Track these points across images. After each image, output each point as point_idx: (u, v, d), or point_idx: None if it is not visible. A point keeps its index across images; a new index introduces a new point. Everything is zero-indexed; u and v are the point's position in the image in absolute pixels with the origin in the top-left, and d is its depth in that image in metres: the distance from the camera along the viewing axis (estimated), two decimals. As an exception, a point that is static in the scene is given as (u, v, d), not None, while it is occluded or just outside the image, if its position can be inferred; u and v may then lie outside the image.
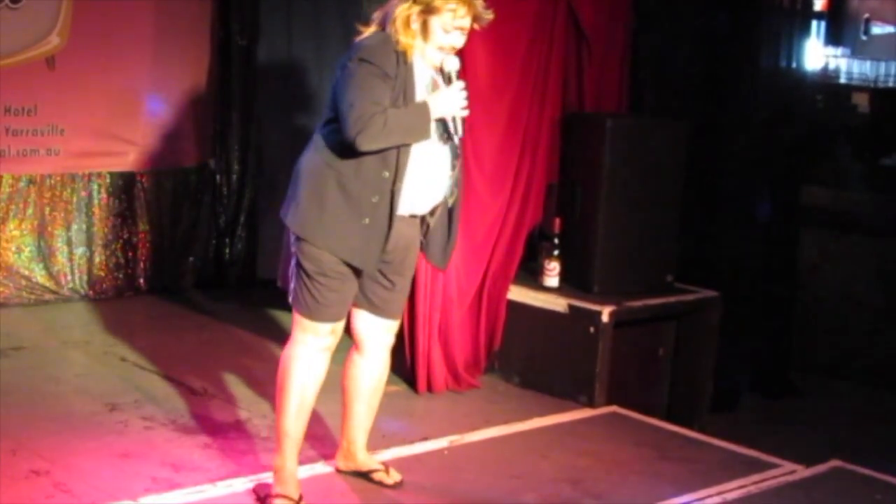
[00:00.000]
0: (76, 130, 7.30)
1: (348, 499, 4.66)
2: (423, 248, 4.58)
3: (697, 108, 7.03)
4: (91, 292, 7.47)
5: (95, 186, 7.48)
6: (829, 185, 8.15)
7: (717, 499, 4.91)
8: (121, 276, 7.61)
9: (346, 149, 4.21)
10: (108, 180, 7.52)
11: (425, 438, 5.35)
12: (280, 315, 7.29)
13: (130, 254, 7.64)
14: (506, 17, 6.08)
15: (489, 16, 4.36)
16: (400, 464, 4.97)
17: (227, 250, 8.03)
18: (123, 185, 7.58)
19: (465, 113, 4.35)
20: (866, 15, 8.94)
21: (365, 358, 4.67)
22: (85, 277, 7.45)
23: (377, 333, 4.64)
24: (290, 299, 4.44)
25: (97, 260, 7.50)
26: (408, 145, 4.24)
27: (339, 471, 4.81)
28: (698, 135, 6.76)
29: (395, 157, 4.25)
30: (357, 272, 4.37)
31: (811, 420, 7.01)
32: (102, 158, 7.47)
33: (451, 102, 4.30)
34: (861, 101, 9.17)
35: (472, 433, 5.50)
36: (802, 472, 5.29)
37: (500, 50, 6.15)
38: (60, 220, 7.35)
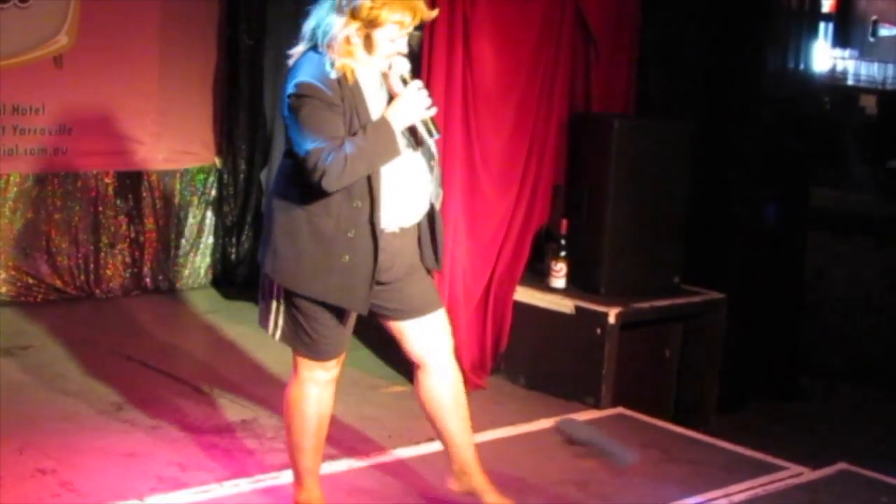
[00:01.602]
0: (84, 129, 7.31)
1: (355, 498, 4.66)
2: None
3: (705, 110, 7.02)
4: (98, 291, 7.48)
5: (102, 185, 7.48)
6: (836, 187, 8.14)
7: (724, 501, 4.90)
8: (128, 275, 7.61)
9: (310, 188, 3.90)
10: (115, 179, 7.53)
11: (431, 439, 5.32)
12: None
13: (137, 253, 7.65)
14: (513, 18, 6.12)
15: (433, 15, 4.09)
16: (405, 465, 4.97)
17: (234, 250, 8.03)
18: (130, 185, 7.59)
19: (432, 112, 4.02)
20: (874, 17, 8.94)
21: (430, 374, 4.31)
22: (92, 276, 7.46)
23: (428, 338, 4.28)
24: (277, 337, 4.19)
25: (104, 259, 7.50)
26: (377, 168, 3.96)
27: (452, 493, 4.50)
28: (705, 136, 6.75)
29: (364, 185, 3.95)
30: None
31: (818, 422, 7.00)
32: (110, 157, 7.48)
33: (411, 106, 3.98)
34: (868, 102, 9.17)
35: (478, 434, 5.46)
36: (809, 474, 5.28)
37: (508, 51, 6.15)
38: (67, 219, 7.36)
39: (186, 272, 7.89)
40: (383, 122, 3.95)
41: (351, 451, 5.11)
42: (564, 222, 6.40)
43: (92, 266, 7.46)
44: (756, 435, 6.28)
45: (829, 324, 7.87)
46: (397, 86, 4.03)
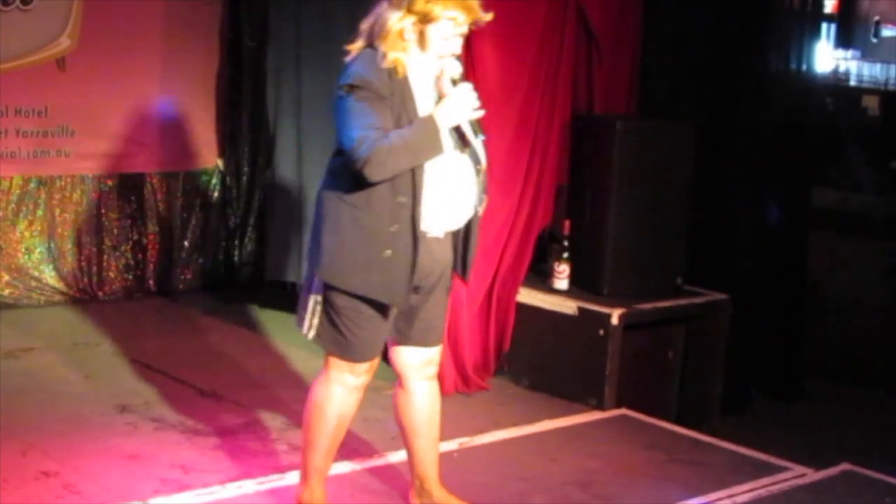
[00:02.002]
0: (86, 132, 7.32)
1: (357, 499, 4.66)
2: None
3: (707, 111, 7.02)
4: (101, 294, 7.48)
5: (105, 188, 7.49)
6: (839, 188, 8.13)
7: (727, 501, 4.90)
8: (130, 277, 7.62)
9: (355, 180, 3.97)
10: (117, 182, 7.54)
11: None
12: (289, 317, 7.29)
13: (140, 255, 7.65)
14: (515, 19, 6.11)
15: (488, 17, 4.15)
16: (407, 466, 4.97)
17: (237, 252, 8.03)
18: (133, 187, 7.60)
19: (480, 113, 4.10)
20: (877, 17, 8.94)
21: (409, 392, 4.40)
22: (94, 279, 7.46)
23: (416, 365, 4.37)
24: (311, 336, 4.21)
25: (107, 261, 7.51)
26: (421, 165, 4.00)
27: None
28: (708, 137, 6.75)
29: (409, 180, 3.99)
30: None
31: (821, 423, 6.99)
32: (112, 160, 7.48)
33: (459, 106, 4.04)
34: (871, 103, 9.15)
35: (481, 435, 5.49)
36: (812, 475, 5.28)
37: (510, 52, 6.15)
38: (70, 221, 7.37)
39: (189, 275, 7.89)
40: (430, 118, 4.00)
41: (353, 453, 5.11)
42: (567, 223, 6.40)
43: (94, 268, 7.46)
44: (759, 435, 6.27)
45: (832, 324, 7.86)
46: (447, 87, 4.09)
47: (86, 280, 7.43)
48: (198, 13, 7.73)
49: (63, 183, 7.33)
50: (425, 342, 4.35)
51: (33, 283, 7.25)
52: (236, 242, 8.03)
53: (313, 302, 4.18)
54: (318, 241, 4.12)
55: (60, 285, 7.34)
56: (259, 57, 7.82)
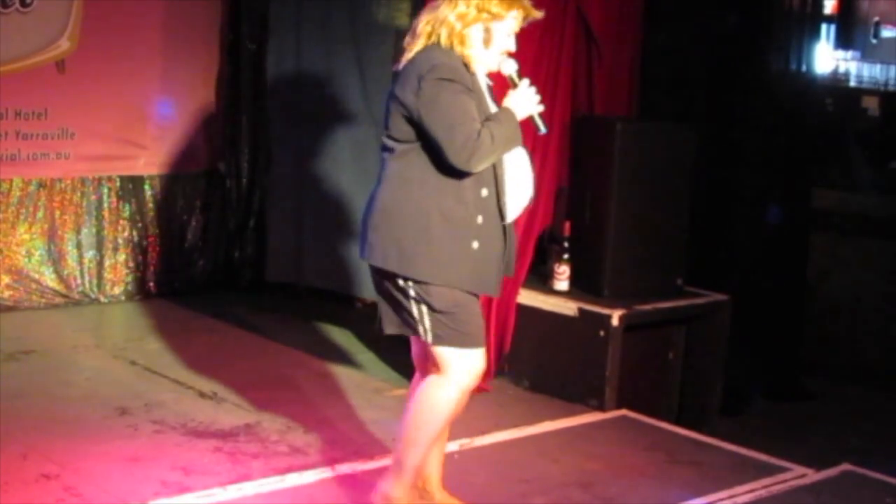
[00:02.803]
0: (86, 134, 7.32)
1: (359, 500, 4.65)
2: None
3: (707, 111, 7.02)
4: (101, 296, 7.49)
5: (105, 190, 7.50)
6: (839, 189, 8.13)
7: (728, 502, 4.90)
8: (131, 279, 7.63)
9: (440, 175, 4.02)
10: (118, 184, 7.54)
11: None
12: (289, 319, 7.31)
13: (140, 257, 7.65)
14: (515, 20, 6.10)
15: (539, 14, 4.26)
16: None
17: (237, 253, 8.04)
18: (133, 189, 7.60)
19: (542, 108, 4.20)
20: (876, 18, 8.94)
21: None
22: (95, 281, 7.47)
23: None
24: (431, 340, 4.13)
25: (107, 263, 7.52)
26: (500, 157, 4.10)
27: None
28: (708, 138, 6.75)
29: (490, 173, 4.08)
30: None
31: (822, 424, 6.99)
32: (112, 162, 7.49)
33: (527, 101, 4.15)
34: (871, 104, 9.16)
35: (482, 437, 5.49)
36: (813, 475, 5.28)
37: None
38: (71, 223, 7.37)
39: (189, 276, 7.90)
40: (508, 111, 4.11)
41: (355, 454, 5.11)
42: (567, 225, 6.39)
43: (95, 271, 7.47)
44: (760, 436, 6.28)
45: (833, 325, 7.86)
46: (513, 83, 4.19)
47: (86, 282, 7.44)
48: (197, 15, 7.73)
49: (63, 185, 7.33)
50: None
51: (33, 286, 7.25)
52: (236, 244, 8.03)
53: (417, 311, 4.12)
54: (396, 246, 4.06)
55: (61, 287, 7.34)
56: (259, 59, 7.84)
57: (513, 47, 4.20)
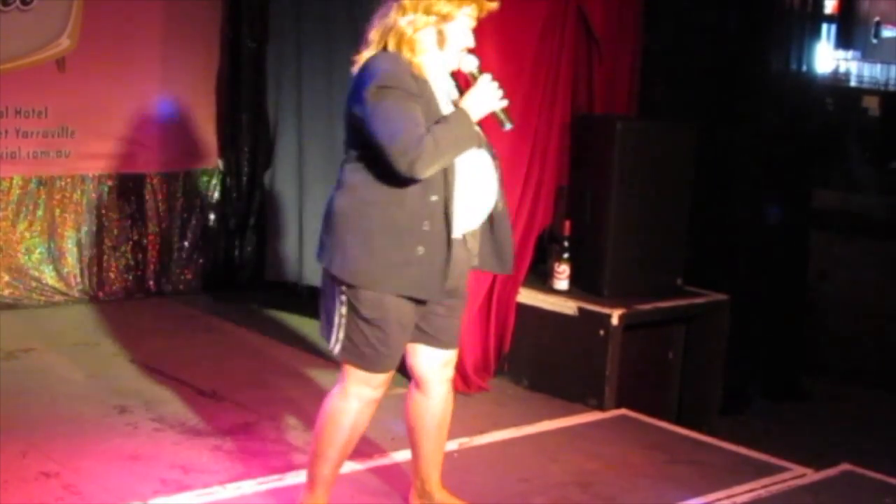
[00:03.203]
0: (86, 132, 7.32)
1: (358, 500, 4.66)
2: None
3: (707, 111, 7.02)
4: (100, 294, 7.49)
5: (105, 188, 7.50)
6: (839, 189, 8.14)
7: (727, 502, 4.90)
8: (130, 277, 7.62)
9: (386, 181, 3.96)
10: (117, 182, 7.54)
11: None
12: (289, 317, 7.31)
13: (140, 256, 7.65)
14: (515, 18, 6.10)
15: (494, 4, 4.14)
16: (408, 466, 4.97)
17: (237, 252, 8.04)
18: (133, 187, 7.60)
19: (505, 103, 4.07)
20: (877, 18, 8.94)
21: (426, 395, 4.36)
22: (94, 279, 7.47)
23: (436, 367, 4.33)
24: (337, 351, 4.13)
25: (107, 262, 7.51)
26: (452, 161, 4.00)
27: None
28: (708, 138, 6.75)
29: (440, 178, 3.98)
30: (417, 308, 4.12)
31: (821, 424, 7.00)
32: (112, 160, 7.49)
33: (486, 97, 4.02)
34: (871, 103, 9.16)
35: (481, 436, 5.49)
36: (812, 475, 5.28)
37: (510, 52, 6.15)
38: (70, 221, 7.37)
39: (189, 275, 7.90)
40: (461, 111, 4.00)
41: (355, 454, 5.08)
42: (567, 224, 6.39)
43: (95, 269, 7.47)
44: (759, 436, 6.29)
45: (832, 325, 7.87)
46: (473, 80, 4.08)
47: (86, 280, 7.44)
48: (197, 13, 7.73)
49: (63, 183, 7.33)
50: (448, 343, 4.32)
51: (33, 284, 7.25)
52: (236, 243, 8.03)
53: (338, 316, 4.12)
54: (338, 247, 4.06)
55: (60, 285, 7.34)
56: (259, 57, 7.83)
57: (471, 43, 4.09)
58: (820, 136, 7.63)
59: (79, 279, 7.42)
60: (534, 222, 6.43)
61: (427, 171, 3.89)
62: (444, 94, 4.12)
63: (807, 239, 7.52)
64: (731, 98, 7.08)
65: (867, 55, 9.03)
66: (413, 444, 4.49)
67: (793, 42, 7.22)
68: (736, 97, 7.08)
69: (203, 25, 7.78)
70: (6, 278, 7.16)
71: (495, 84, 4.05)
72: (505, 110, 4.10)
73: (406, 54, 3.99)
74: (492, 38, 6.02)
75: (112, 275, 7.55)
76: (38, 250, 7.28)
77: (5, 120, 7.02)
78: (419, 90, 3.98)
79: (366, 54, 4.07)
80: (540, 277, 6.50)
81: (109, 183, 7.51)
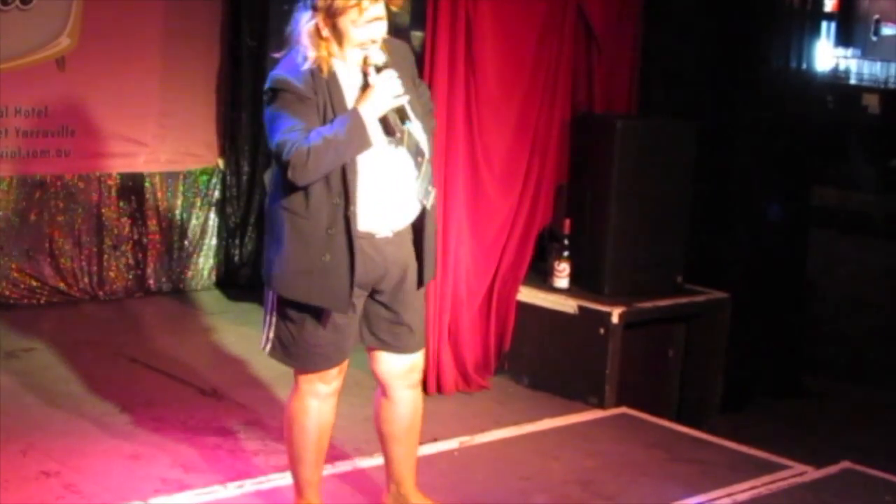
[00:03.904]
0: (86, 131, 7.32)
1: (357, 499, 4.66)
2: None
3: (707, 109, 7.01)
4: (101, 293, 7.48)
5: (105, 187, 7.49)
6: (839, 186, 8.13)
7: (727, 500, 4.91)
8: (131, 277, 7.62)
9: (291, 186, 3.89)
10: (118, 181, 7.54)
11: (435, 439, 5.34)
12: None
13: (140, 255, 7.65)
14: (515, 17, 6.12)
15: (397, 1, 4.04)
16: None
17: (237, 251, 8.03)
18: (133, 186, 7.60)
19: (404, 100, 3.93)
20: (877, 16, 8.93)
21: (392, 401, 4.31)
22: (95, 278, 7.46)
23: (400, 373, 4.27)
24: (267, 350, 4.15)
25: (107, 261, 7.51)
26: (352, 161, 3.90)
27: None
28: (708, 135, 6.74)
29: (339, 179, 3.90)
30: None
31: (821, 421, 6.99)
32: (113, 159, 7.49)
33: (382, 95, 3.90)
34: (871, 101, 9.16)
35: (482, 434, 5.50)
36: (812, 473, 5.29)
37: (510, 51, 6.15)
38: (70, 221, 7.36)
39: (189, 274, 7.90)
40: (353, 112, 3.89)
41: (354, 452, 5.11)
42: (567, 222, 6.40)
43: (95, 268, 7.46)
44: (759, 434, 6.28)
45: (833, 322, 7.87)
46: (372, 76, 3.95)
47: (86, 279, 7.43)
48: (197, 12, 7.73)
49: (63, 182, 7.32)
50: (406, 348, 4.24)
51: (34, 283, 7.25)
52: (236, 241, 8.02)
53: (269, 315, 4.13)
54: (266, 252, 4.10)
55: (61, 285, 7.34)
56: (259, 56, 7.82)
57: (375, 35, 3.95)
58: (819, 134, 7.62)
59: (79, 278, 7.41)
60: (534, 220, 6.43)
61: (304, 178, 3.83)
62: (353, 92, 4.00)
63: (806, 237, 7.52)
64: (731, 96, 7.08)
65: (867, 53, 9.02)
66: (384, 450, 4.43)
67: (792, 40, 7.22)
68: (736, 95, 7.08)
69: (203, 24, 7.77)
70: (7, 277, 7.15)
71: (397, 81, 3.94)
72: (403, 108, 3.96)
73: (308, 52, 3.93)
74: (491, 37, 6.04)
75: (112, 274, 7.55)
76: (38, 250, 7.27)
77: (5, 119, 7.02)
78: (315, 89, 3.91)
79: (281, 54, 4.07)
80: (540, 276, 6.51)
81: (110, 182, 7.51)
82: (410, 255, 4.15)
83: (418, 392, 4.38)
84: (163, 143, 7.67)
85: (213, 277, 8.00)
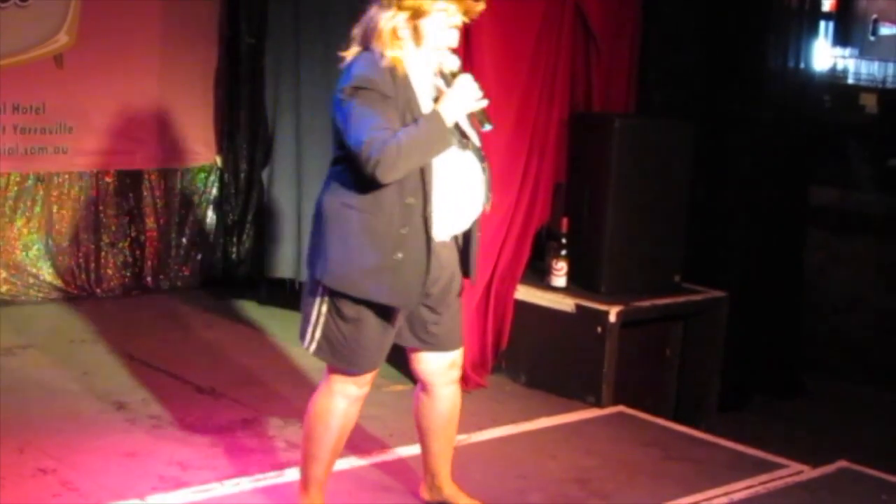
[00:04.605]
0: (84, 129, 7.32)
1: (355, 498, 4.66)
2: None
3: (705, 108, 7.02)
4: (98, 290, 7.49)
5: (103, 184, 7.49)
6: (836, 186, 8.13)
7: (724, 499, 4.91)
8: (128, 274, 7.62)
9: (362, 185, 3.92)
10: (115, 178, 7.54)
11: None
12: (286, 314, 7.30)
13: (138, 252, 7.65)
14: (513, 16, 6.11)
15: (480, 6, 4.08)
16: (406, 463, 4.98)
17: (235, 249, 8.03)
18: (131, 184, 7.60)
19: (484, 103, 4.03)
20: (874, 15, 8.92)
21: (433, 397, 4.38)
22: (92, 275, 7.46)
23: (441, 370, 4.33)
24: (312, 349, 4.13)
25: (104, 258, 7.51)
26: (429, 163, 3.96)
27: (425, 502, 4.57)
28: (706, 135, 6.75)
29: (418, 180, 3.96)
30: (396, 310, 4.10)
31: (818, 420, 7.01)
32: (110, 157, 7.49)
33: (462, 98, 3.97)
34: (869, 101, 9.14)
35: (479, 433, 5.50)
36: (809, 472, 5.29)
37: (508, 49, 6.15)
38: (68, 218, 7.37)
39: (187, 271, 7.90)
40: (435, 113, 3.95)
41: (353, 450, 5.10)
42: (565, 221, 6.40)
43: (93, 265, 7.47)
44: (756, 433, 6.29)
45: (830, 322, 7.87)
46: (446, 81, 4.03)
47: (83, 277, 7.43)
48: (196, 10, 7.72)
49: (61, 179, 7.33)
50: (447, 346, 4.31)
51: (31, 280, 7.25)
52: (234, 239, 8.02)
53: (316, 314, 4.11)
54: (321, 250, 4.05)
55: (58, 282, 7.34)
56: (257, 53, 7.82)
57: (452, 42, 4.03)
58: (817, 134, 7.63)
59: (76, 275, 7.41)
60: (531, 219, 6.43)
61: (391, 176, 3.86)
62: (426, 93, 4.06)
63: (804, 236, 7.52)
64: (729, 95, 7.08)
65: (865, 52, 9.01)
66: (422, 442, 4.51)
67: (790, 39, 7.23)
68: (733, 94, 7.09)
69: (201, 21, 7.77)
70: (4, 274, 7.16)
71: (474, 85, 4.00)
72: (484, 111, 4.06)
73: (385, 51, 3.96)
74: (490, 35, 6.03)
75: (109, 271, 7.55)
76: (35, 247, 7.28)
77: (3, 116, 7.02)
78: (396, 90, 3.95)
79: (350, 52, 4.08)
80: (537, 274, 6.51)
81: (107, 179, 7.51)
82: (457, 260, 4.23)
83: (458, 388, 4.44)
84: (161, 140, 7.67)
85: (211, 275, 8.00)
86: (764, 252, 7.25)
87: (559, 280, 6.37)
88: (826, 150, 8.03)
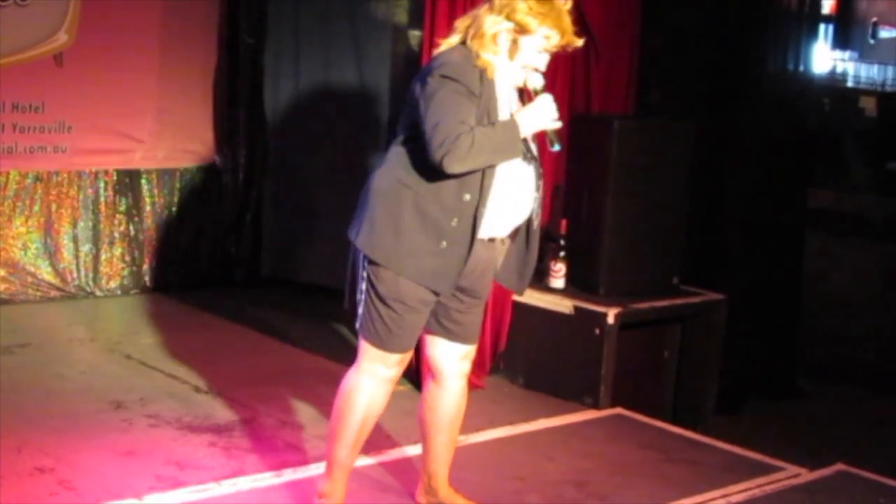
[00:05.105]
0: (83, 128, 7.31)
1: (355, 498, 4.65)
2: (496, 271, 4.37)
3: (704, 111, 7.02)
4: (97, 290, 7.48)
5: (102, 184, 7.49)
6: (835, 189, 8.14)
7: (722, 501, 4.91)
8: (126, 273, 7.62)
9: (426, 170, 4.02)
10: (114, 178, 7.53)
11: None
12: (285, 314, 7.31)
13: (136, 251, 7.65)
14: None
15: (579, 42, 4.23)
16: (404, 464, 4.98)
17: (234, 248, 8.04)
18: (130, 183, 7.60)
19: (559, 124, 4.14)
20: (874, 19, 8.94)
21: (442, 388, 4.42)
22: (91, 275, 7.46)
23: (453, 361, 4.40)
24: (358, 325, 4.22)
25: (103, 257, 7.51)
26: (493, 166, 4.05)
27: None
28: (705, 137, 6.75)
29: (478, 180, 4.04)
30: (433, 296, 4.16)
31: (815, 423, 7.00)
32: (109, 156, 7.48)
33: (541, 114, 4.09)
34: (868, 104, 9.17)
35: (477, 434, 5.49)
36: (807, 475, 5.29)
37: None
38: (67, 217, 7.36)
39: (185, 271, 7.89)
40: (512, 121, 4.06)
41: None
42: (564, 223, 6.40)
43: (91, 264, 7.46)
44: (754, 435, 6.28)
45: (828, 324, 7.88)
46: (522, 97, 4.17)
47: (82, 276, 7.43)
48: (195, 9, 7.72)
49: (60, 178, 7.32)
50: (465, 338, 4.39)
51: (29, 279, 7.24)
52: (233, 239, 8.03)
53: (359, 291, 4.20)
54: (370, 222, 4.12)
55: (56, 281, 7.33)
56: (257, 53, 7.83)
57: (541, 66, 4.15)
58: (817, 137, 7.63)
59: (75, 275, 7.41)
60: (530, 220, 6.42)
61: (457, 167, 3.95)
62: (505, 101, 4.16)
63: (802, 238, 7.52)
64: (728, 98, 7.08)
65: (864, 56, 9.03)
66: (424, 438, 4.53)
67: (790, 42, 7.23)
68: (733, 97, 7.08)
69: (201, 21, 7.77)
70: (2, 273, 7.14)
71: (553, 105, 4.11)
72: (557, 132, 4.16)
73: (481, 52, 4.06)
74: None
75: (108, 270, 7.54)
76: (34, 246, 7.27)
77: (2, 115, 7.01)
78: (481, 90, 4.04)
79: (448, 41, 4.17)
80: (536, 276, 6.44)
81: (106, 179, 7.50)
82: (492, 259, 4.30)
83: (465, 387, 4.48)
84: (160, 139, 7.66)
85: (209, 274, 7.99)
86: (762, 255, 7.25)
87: (557, 282, 6.37)
88: (825, 153, 8.05)
